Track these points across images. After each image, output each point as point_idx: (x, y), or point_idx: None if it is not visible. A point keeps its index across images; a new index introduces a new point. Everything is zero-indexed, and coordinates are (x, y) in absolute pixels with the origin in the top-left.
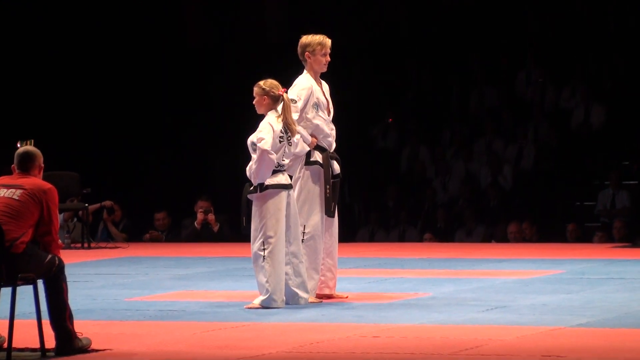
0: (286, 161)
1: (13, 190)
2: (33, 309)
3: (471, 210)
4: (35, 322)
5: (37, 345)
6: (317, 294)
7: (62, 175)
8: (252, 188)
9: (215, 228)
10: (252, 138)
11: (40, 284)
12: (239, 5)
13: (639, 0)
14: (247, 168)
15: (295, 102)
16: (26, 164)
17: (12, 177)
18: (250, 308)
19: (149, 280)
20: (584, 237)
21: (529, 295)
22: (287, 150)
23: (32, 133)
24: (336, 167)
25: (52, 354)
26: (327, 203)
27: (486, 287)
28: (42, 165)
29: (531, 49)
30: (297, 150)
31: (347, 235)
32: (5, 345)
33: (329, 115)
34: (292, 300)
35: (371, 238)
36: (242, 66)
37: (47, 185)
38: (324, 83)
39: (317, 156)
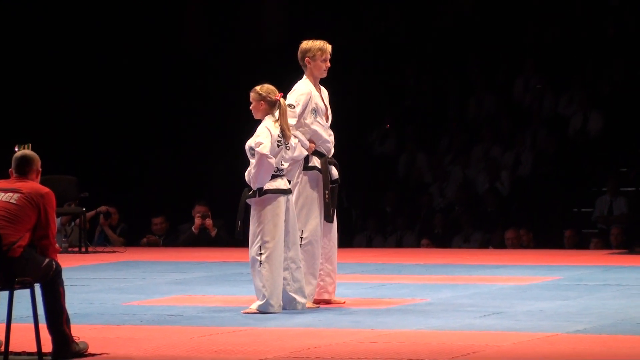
0: (285, 165)
1: (10, 194)
2: (30, 313)
3: (468, 216)
4: (32, 326)
5: (34, 349)
6: (315, 299)
7: (60, 179)
8: (250, 193)
9: (213, 233)
10: (250, 143)
11: (37, 288)
12: (237, 10)
13: (637, 7)
14: (246, 173)
15: (294, 107)
16: (24, 167)
17: (9, 181)
18: (248, 313)
19: (146, 285)
20: (581, 243)
21: (526, 302)
22: (285, 154)
23: (29, 137)
24: (334, 172)
25: (49, 358)
26: (326, 208)
27: (483, 293)
28: (40, 169)
29: (529, 55)
30: (295, 154)
31: (345, 240)
32: (2, 349)
33: (327, 121)
34: (289, 306)
35: (369, 243)
36: (241, 70)
37: (45, 189)
38: (323, 89)
39: (316, 161)
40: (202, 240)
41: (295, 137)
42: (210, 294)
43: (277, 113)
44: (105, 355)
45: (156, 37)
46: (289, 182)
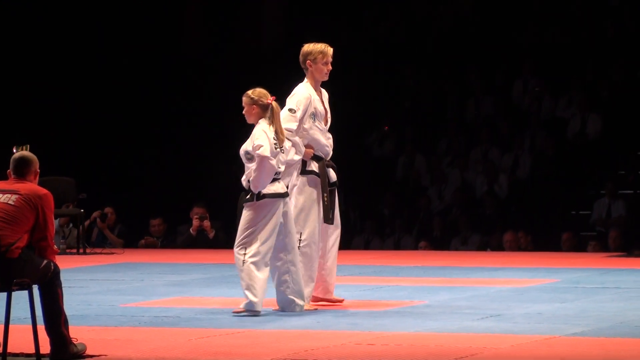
0: (282, 168)
1: (9, 195)
2: (28, 314)
3: (467, 218)
4: (30, 327)
5: (32, 350)
6: (321, 298)
7: (58, 181)
8: (248, 197)
9: (211, 234)
10: (246, 147)
11: (35, 289)
12: (237, 11)
13: (636, 10)
14: (243, 179)
15: (294, 111)
16: (22, 169)
17: (7, 182)
18: (237, 312)
19: (144, 287)
20: (579, 246)
21: (524, 304)
22: (280, 157)
23: (28, 138)
24: (332, 175)
25: (47, 359)
26: (325, 211)
27: (481, 296)
28: (38, 170)
29: (528, 58)
30: (289, 158)
31: (343, 242)
32: (1, 350)
33: (326, 125)
34: (288, 308)
35: (366, 246)
36: (240, 71)
37: (43, 191)
38: (323, 92)
39: (313, 165)
40: (200, 242)
41: (289, 140)
42: (208, 296)
43: (269, 116)
44: (103, 356)
45: (155, 39)
46: (287, 185)
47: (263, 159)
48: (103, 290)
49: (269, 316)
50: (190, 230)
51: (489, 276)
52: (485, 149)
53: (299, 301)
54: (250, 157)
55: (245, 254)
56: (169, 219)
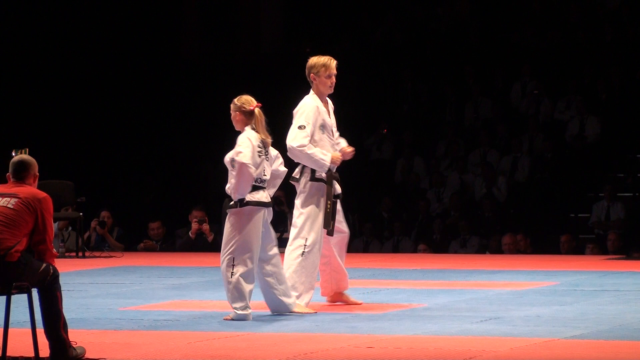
0: (267, 176)
1: (8, 199)
2: (27, 317)
3: (465, 221)
4: (29, 331)
5: (31, 354)
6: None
7: (57, 184)
8: (232, 203)
9: (210, 238)
10: (230, 154)
11: (34, 292)
12: (234, 17)
13: (634, 12)
14: (227, 187)
15: (304, 127)
16: (21, 172)
17: (6, 186)
18: (227, 319)
19: (143, 290)
20: (578, 249)
21: (523, 307)
22: (266, 165)
23: (27, 142)
24: (337, 187)
25: None
26: (326, 218)
27: (480, 299)
28: (37, 174)
29: (526, 60)
30: (273, 168)
31: None
32: (0, 353)
33: (333, 136)
34: (281, 309)
35: (365, 249)
36: (238, 77)
37: (42, 194)
38: (330, 103)
39: (323, 174)
40: (199, 245)
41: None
42: (207, 299)
43: (254, 123)
44: (102, 359)
45: (154, 44)
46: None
47: (242, 165)
48: (102, 293)
49: (267, 319)
50: (189, 233)
51: (488, 279)
52: (484, 151)
53: (287, 300)
54: (234, 164)
55: (233, 272)
56: (167, 222)
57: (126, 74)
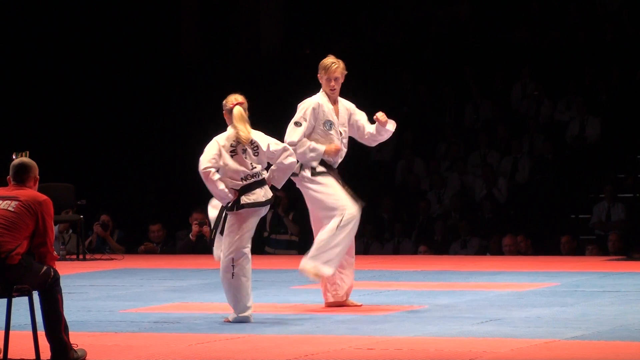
0: (257, 168)
1: (8, 201)
2: (28, 320)
3: (466, 222)
4: (30, 333)
5: (32, 356)
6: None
7: (58, 187)
8: (229, 206)
9: None
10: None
11: (35, 295)
12: (234, 19)
13: (634, 13)
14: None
15: (299, 124)
16: (21, 175)
17: (7, 189)
18: (227, 321)
19: (143, 292)
20: (578, 249)
21: (524, 308)
22: (248, 158)
23: (27, 144)
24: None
25: None
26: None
27: (481, 300)
28: (38, 176)
29: (526, 61)
30: (278, 161)
31: None
32: (1, 356)
33: (339, 135)
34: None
35: (366, 250)
36: (237, 79)
37: (43, 197)
38: (342, 101)
39: (324, 167)
40: (199, 248)
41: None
42: (208, 301)
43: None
44: None
45: (153, 46)
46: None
47: (201, 174)
48: (103, 296)
49: (268, 321)
50: (190, 235)
51: (489, 280)
52: (484, 153)
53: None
54: None
55: (233, 274)
56: (168, 224)
57: (126, 75)
